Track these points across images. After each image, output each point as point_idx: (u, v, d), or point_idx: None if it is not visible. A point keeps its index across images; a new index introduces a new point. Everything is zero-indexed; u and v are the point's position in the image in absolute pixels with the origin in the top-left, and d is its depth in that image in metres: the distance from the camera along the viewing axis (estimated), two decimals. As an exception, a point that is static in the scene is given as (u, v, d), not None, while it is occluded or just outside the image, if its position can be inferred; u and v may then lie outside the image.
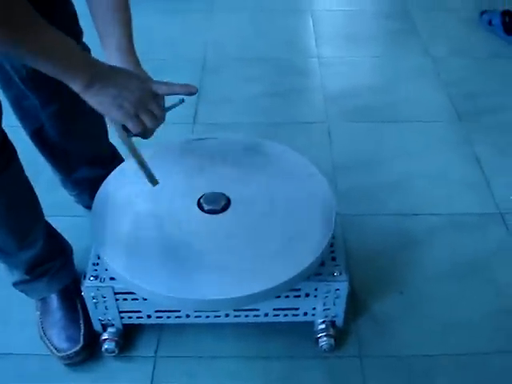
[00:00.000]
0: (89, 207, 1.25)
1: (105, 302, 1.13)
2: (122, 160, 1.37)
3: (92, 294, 1.12)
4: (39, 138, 1.29)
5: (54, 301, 1.24)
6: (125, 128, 0.98)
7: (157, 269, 1.04)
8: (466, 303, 1.31)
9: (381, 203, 1.57)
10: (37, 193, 1.15)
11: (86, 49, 1.18)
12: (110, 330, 1.19)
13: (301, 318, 1.19)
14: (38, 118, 1.24)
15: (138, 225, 1.12)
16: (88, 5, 1.02)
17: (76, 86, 0.89)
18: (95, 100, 0.92)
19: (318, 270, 1.11)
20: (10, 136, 1.04)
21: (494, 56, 2.21)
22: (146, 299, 1.11)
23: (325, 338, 1.18)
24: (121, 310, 1.16)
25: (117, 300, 1.13)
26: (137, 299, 1.13)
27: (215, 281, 1.02)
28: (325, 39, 2.35)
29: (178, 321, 1.18)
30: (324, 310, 1.17)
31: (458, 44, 2.30)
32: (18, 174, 1.09)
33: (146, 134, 1.02)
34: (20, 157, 1.08)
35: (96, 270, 1.13)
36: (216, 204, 1.14)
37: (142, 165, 1.05)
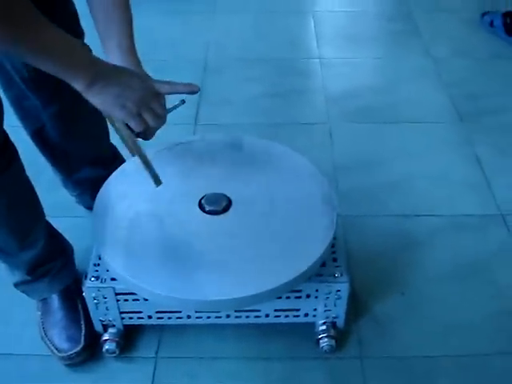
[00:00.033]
0: (90, 208, 1.25)
1: (106, 302, 1.13)
2: (123, 161, 1.37)
3: (93, 295, 1.12)
4: (40, 138, 1.29)
5: (55, 301, 1.24)
6: (127, 127, 0.98)
7: (158, 269, 1.04)
8: (467, 304, 1.31)
9: (382, 204, 1.57)
10: (38, 193, 1.15)
11: (88, 49, 1.18)
12: (110, 330, 1.18)
13: (302, 319, 1.19)
14: (38, 118, 1.24)
15: (139, 225, 1.12)
16: (88, 5, 1.02)
17: (78, 85, 0.88)
18: (97, 99, 0.91)
19: (319, 271, 1.11)
20: (11, 136, 1.04)
21: (496, 57, 2.21)
22: (146, 300, 1.11)
23: (326, 339, 1.18)
24: (122, 310, 1.16)
25: (118, 301, 1.13)
26: (138, 300, 1.13)
27: (216, 281, 1.02)
28: (326, 40, 2.35)
29: (178, 321, 1.18)
30: (325, 310, 1.17)
31: (459, 45, 2.30)
32: (19, 174, 1.09)
33: (147, 134, 1.02)
34: (21, 157, 1.08)
35: (97, 271, 1.13)
36: (217, 205, 1.14)
37: (147, 164, 1.04)
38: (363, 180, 1.65)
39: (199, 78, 2.08)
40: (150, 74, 1.03)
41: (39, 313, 1.26)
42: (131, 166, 1.22)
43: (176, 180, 1.19)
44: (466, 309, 1.30)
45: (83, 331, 1.21)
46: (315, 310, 1.17)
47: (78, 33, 1.18)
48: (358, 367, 1.19)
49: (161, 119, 1.00)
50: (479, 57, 2.22)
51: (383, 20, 2.52)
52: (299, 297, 1.14)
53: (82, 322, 1.22)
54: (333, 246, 1.16)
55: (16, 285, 1.23)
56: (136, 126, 0.97)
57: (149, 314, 1.17)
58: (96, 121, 1.13)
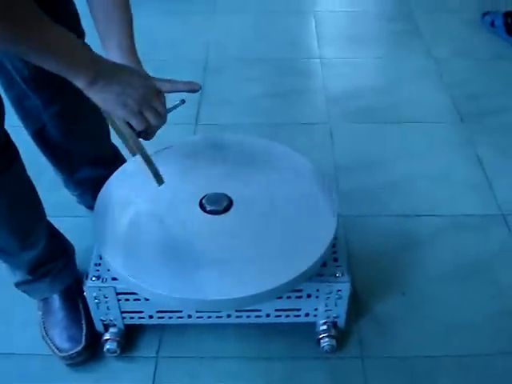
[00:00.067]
0: (91, 207, 1.25)
1: (107, 302, 1.13)
2: (124, 160, 1.37)
3: (94, 295, 1.12)
4: (41, 138, 1.29)
5: (56, 301, 1.24)
6: (128, 126, 0.98)
7: (158, 269, 1.04)
8: (468, 304, 1.31)
9: (383, 204, 1.57)
10: (39, 193, 1.15)
11: (89, 48, 1.18)
12: (111, 330, 1.19)
13: (302, 319, 1.19)
14: (39, 118, 1.24)
15: (140, 225, 1.12)
16: (89, 5, 1.02)
17: (80, 83, 0.88)
18: (99, 97, 0.91)
19: (320, 271, 1.11)
20: (12, 136, 1.04)
21: (497, 57, 2.21)
22: (147, 299, 1.10)
23: (326, 339, 1.18)
24: (123, 310, 1.16)
25: (119, 300, 1.13)
26: (139, 299, 1.13)
27: (217, 281, 1.02)
28: (327, 40, 2.35)
29: (179, 321, 1.18)
30: (326, 310, 1.17)
31: (460, 45, 2.30)
32: (20, 173, 1.09)
33: (148, 133, 1.02)
34: (22, 157, 1.08)
35: (98, 271, 1.13)
36: (218, 205, 1.14)
37: (149, 162, 1.04)
38: (364, 180, 1.65)
39: (199, 78, 2.08)
40: (151, 74, 1.03)
41: (40, 312, 1.26)
42: (132, 165, 1.22)
43: (177, 180, 1.19)
44: (467, 309, 1.30)
45: (84, 331, 1.21)
46: (316, 309, 1.17)
47: (79, 33, 1.18)
48: (358, 367, 1.19)
49: (162, 118, 1.00)
50: (480, 57, 2.22)
51: (384, 20, 2.52)
52: (300, 296, 1.14)
53: (83, 322, 1.22)
54: (334, 245, 1.16)
55: (17, 285, 1.23)
56: (137, 125, 0.97)
57: (150, 314, 1.17)
58: (97, 120, 1.13)
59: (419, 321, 1.28)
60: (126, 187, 1.20)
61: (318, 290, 1.13)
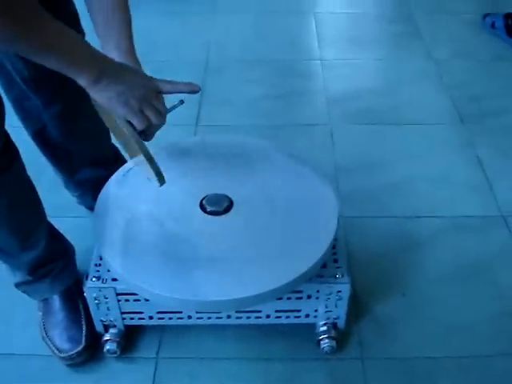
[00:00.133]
0: (91, 208, 1.25)
1: (107, 302, 1.13)
2: (124, 161, 1.37)
3: (94, 295, 1.12)
4: (41, 138, 1.29)
5: (56, 302, 1.24)
6: (130, 125, 0.99)
7: (159, 270, 1.04)
8: (469, 306, 1.31)
9: (383, 205, 1.57)
10: (39, 193, 1.15)
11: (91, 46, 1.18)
12: (111, 330, 1.19)
13: (302, 320, 1.19)
14: (39, 118, 1.24)
15: (140, 226, 1.12)
16: (87, 6, 1.02)
17: (83, 81, 0.88)
18: (101, 95, 0.91)
19: (320, 272, 1.11)
20: (12, 136, 1.04)
21: (497, 59, 2.21)
22: (147, 300, 1.10)
23: (326, 340, 1.18)
24: (123, 310, 1.16)
25: (119, 301, 1.13)
26: (139, 300, 1.13)
27: (217, 282, 1.02)
28: (327, 41, 2.35)
29: (179, 322, 1.18)
30: (326, 311, 1.17)
31: (460, 47, 2.30)
32: (21, 174, 1.09)
33: (148, 134, 1.02)
34: (22, 157, 1.08)
35: (98, 271, 1.13)
36: (218, 205, 1.14)
37: (151, 161, 1.03)
38: (364, 181, 1.65)
39: (200, 79, 2.08)
40: (151, 75, 1.03)
41: (40, 313, 1.26)
42: (133, 166, 1.22)
43: (177, 181, 1.19)
44: (467, 310, 1.30)
45: (84, 331, 1.21)
46: (316, 310, 1.17)
47: (79, 33, 1.18)
48: (358, 368, 1.19)
49: (162, 117, 1.00)
50: (481, 58, 2.22)
51: (384, 22, 2.52)
52: (300, 298, 1.14)
53: (83, 323, 1.22)
54: (334, 247, 1.16)
55: (17, 285, 1.23)
56: (139, 123, 0.97)
57: (150, 315, 1.17)
58: (97, 121, 1.13)
59: (419, 322, 1.28)
60: (127, 188, 1.20)
61: (318, 291, 1.13)
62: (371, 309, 1.30)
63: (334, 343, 1.18)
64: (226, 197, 1.15)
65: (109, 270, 1.11)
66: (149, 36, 2.16)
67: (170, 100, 1.04)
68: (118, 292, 1.12)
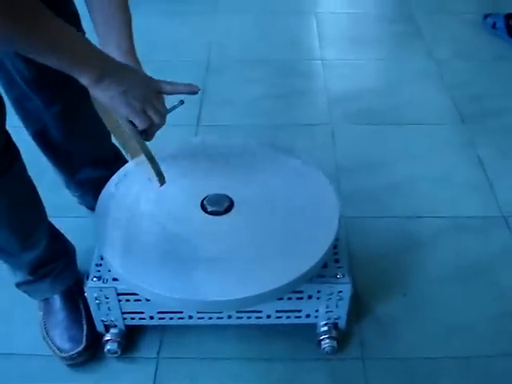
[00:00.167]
0: (92, 208, 1.25)
1: (107, 302, 1.13)
2: (125, 161, 1.37)
3: (95, 295, 1.12)
4: (42, 138, 1.29)
5: (57, 301, 1.24)
6: (132, 125, 0.99)
7: (159, 270, 1.04)
8: (470, 306, 1.31)
9: (384, 205, 1.57)
10: (40, 193, 1.15)
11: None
12: (112, 330, 1.18)
13: (303, 320, 1.19)
14: (40, 118, 1.24)
15: (141, 226, 1.12)
16: (87, 6, 1.01)
17: (85, 80, 0.88)
18: (104, 95, 0.91)
19: (321, 272, 1.11)
20: (13, 136, 1.04)
21: (498, 59, 2.21)
22: (148, 300, 1.10)
23: (327, 340, 1.18)
24: (123, 310, 1.16)
25: (119, 301, 1.13)
26: (139, 300, 1.13)
27: (217, 282, 1.02)
28: (328, 41, 2.35)
29: (180, 322, 1.18)
30: (327, 312, 1.17)
31: (461, 47, 2.30)
32: (21, 174, 1.09)
33: (148, 133, 1.02)
34: (23, 157, 1.08)
35: (99, 271, 1.13)
36: (219, 205, 1.14)
37: (152, 161, 1.03)
38: (365, 181, 1.65)
39: (200, 79, 2.08)
40: (152, 75, 1.03)
41: (41, 313, 1.26)
42: (133, 166, 1.22)
43: (178, 181, 1.18)
44: (468, 310, 1.30)
45: (85, 331, 1.21)
46: (317, 311, 1.17)
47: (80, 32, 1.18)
48: (359, 368, 1.19)
49: (162, 118, 1.00)
50: (482, 58, 2.22)
51: (385, 22, 2.52)
52: (301, 298, 1.14)
53: (84, 323, 1.22)
54: (335, 247, 1.16)
55: (18, 285, 1.23)
56: (140, 123, 0.97)
57: (150, 315, 1.17)
58: (98, 121, 1.13)
59: (420, 322, 1.28)
60: (127, 188, 1.20)
61: (319, 291, 1.13)
62: (372, 309, 1.30)
63: (334, 343, 1.18)
64: (227, 197, 1.15)
65: (110, 270, 1.11)
66: (149, 36, 2.16)
67: (170, 100, 1.04)
68: (118, 292, 1.11)
